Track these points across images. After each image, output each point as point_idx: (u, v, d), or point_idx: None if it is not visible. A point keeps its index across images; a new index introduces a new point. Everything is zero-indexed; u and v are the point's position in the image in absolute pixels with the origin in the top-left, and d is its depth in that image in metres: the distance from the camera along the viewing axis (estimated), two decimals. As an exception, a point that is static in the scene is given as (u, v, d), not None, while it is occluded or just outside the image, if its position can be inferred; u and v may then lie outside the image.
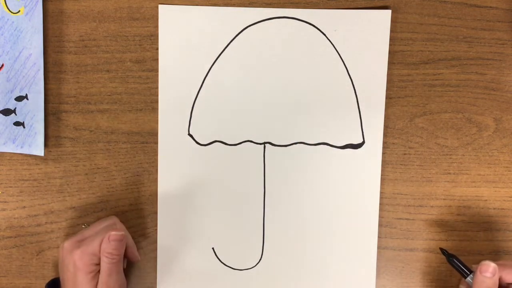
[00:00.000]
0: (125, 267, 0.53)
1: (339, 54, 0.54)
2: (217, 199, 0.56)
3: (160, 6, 0.54)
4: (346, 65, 0.54)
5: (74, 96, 0.56)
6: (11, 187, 0.56)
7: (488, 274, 0.48)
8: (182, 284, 0.56)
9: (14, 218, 0.56)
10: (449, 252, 0.52)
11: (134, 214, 0.56)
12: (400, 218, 0.57)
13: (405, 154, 0.56)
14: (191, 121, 0.55)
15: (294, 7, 0.54)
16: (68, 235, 0.56)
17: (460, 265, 0.51)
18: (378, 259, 0.56)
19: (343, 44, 0.54)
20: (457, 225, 0.57)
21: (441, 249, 0.53)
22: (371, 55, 0.54)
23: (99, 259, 0.50)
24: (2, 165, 0.56)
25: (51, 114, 0.56)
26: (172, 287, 0.56)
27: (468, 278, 0.50)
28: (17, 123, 0.55)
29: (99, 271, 0.50)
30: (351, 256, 0.56)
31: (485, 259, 0.49)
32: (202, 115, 0.55)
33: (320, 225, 0.56)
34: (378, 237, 0.56)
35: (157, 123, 0.55)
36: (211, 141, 0.55)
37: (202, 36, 0.54)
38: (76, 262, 0.49)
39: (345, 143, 0.55)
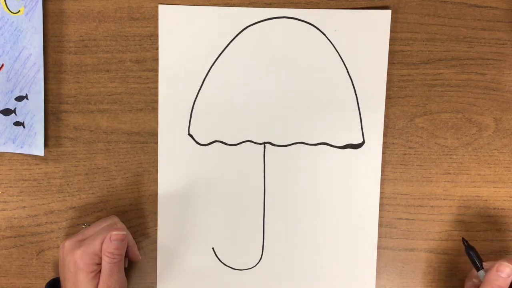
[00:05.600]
0: (126, 266, 0.53)
1: (339, 54, 0.54)
2: (217, 199, 0.56)
3: (160, 6, 0.54)
4: (346, 65, 0.54)
5: (74, 96, 0.56)
6: (11, 187, 0.56)
7: (504, 275, 0.49)
8: (182, 284, 0.56)
9: (14, 218, 0.56)
10: (470, 244, 0.52)
11: (134, 214, 0.56)
12: (400, 218, 0.57)
13: (405, 154, 0.56)
14: (191, 121, 0.55)
15: (294, 7, 0.54)
16: (68, 235, 0.56)
17: (476, 258, 0.51)
18: (378, 259, 0.56)
19: (343, 44, 0.54)
20: (457, 225, 0.57)
21: (463, 238, 0.52)
22: (371, 55, 0.54)
23: (100, 258, 0.50)
24: (2, 165, 0.56)
25: (51, 114, 0.56)
26: (172, 287, 0.56)
27: (481, 272, 0.50)
28: (17, 123, 0.55)
29: (100, 270, 0.50)
30: (351, 256, 0.56)
31: (491, 259, 0.49)
32: (202, 115, 0.55)
33: (320, 225, 0.56)
34: (378, 237, 0.56)
35: (157, 123, 0.55)
36: (211, 141, 0.55)
37: (202, 36, 0.54)
38: (77, 261, 0.49)
39: (345, 143, 0.55)
